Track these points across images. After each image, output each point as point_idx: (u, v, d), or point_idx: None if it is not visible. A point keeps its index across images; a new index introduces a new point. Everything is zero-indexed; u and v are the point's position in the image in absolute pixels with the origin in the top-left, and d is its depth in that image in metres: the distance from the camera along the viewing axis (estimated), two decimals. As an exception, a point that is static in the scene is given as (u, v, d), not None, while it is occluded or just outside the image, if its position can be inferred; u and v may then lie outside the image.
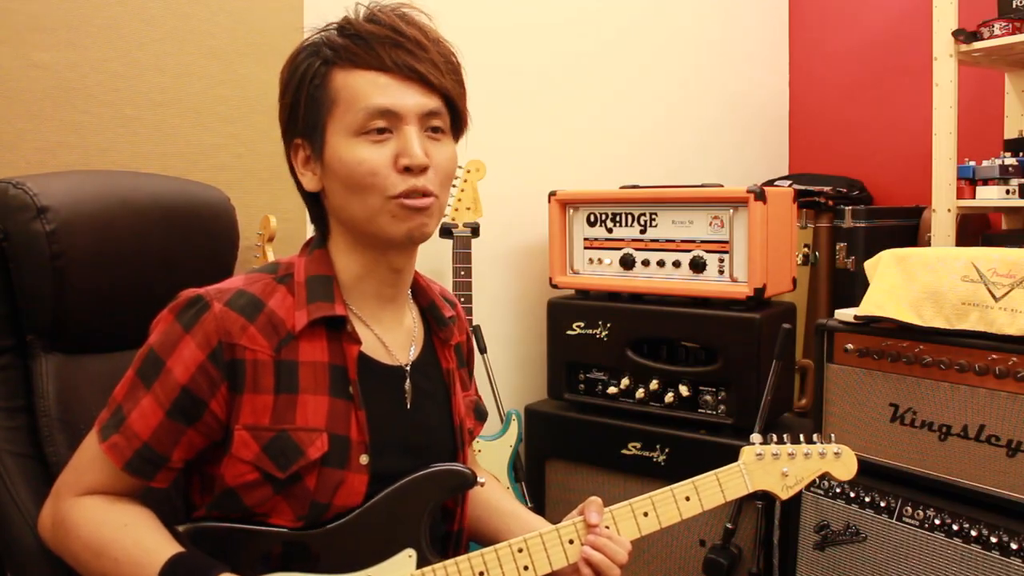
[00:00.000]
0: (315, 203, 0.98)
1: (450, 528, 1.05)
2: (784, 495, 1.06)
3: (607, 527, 0.98)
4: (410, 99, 0.90)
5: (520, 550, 0.95)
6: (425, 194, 0.92)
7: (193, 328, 0.90)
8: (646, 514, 0.99)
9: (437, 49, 0.93)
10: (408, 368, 1.01)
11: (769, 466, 1.06)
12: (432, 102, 0.92)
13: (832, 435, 1.14)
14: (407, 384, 1.00)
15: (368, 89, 0.90)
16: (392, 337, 1.01)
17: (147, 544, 0.88)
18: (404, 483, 0.95)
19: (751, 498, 1.73)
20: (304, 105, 0.92)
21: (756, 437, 1.07)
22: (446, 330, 1.07)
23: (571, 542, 0.97)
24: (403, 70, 0.90)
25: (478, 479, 0.99)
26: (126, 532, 0.89)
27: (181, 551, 0.87)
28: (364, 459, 0.93)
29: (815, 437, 1.10)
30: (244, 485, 0.90)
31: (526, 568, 0.94)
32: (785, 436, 1.09)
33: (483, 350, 2.11)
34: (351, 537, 0.92)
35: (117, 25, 1.61)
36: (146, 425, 0.89)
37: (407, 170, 0.90)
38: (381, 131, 0.90)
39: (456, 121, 0.97)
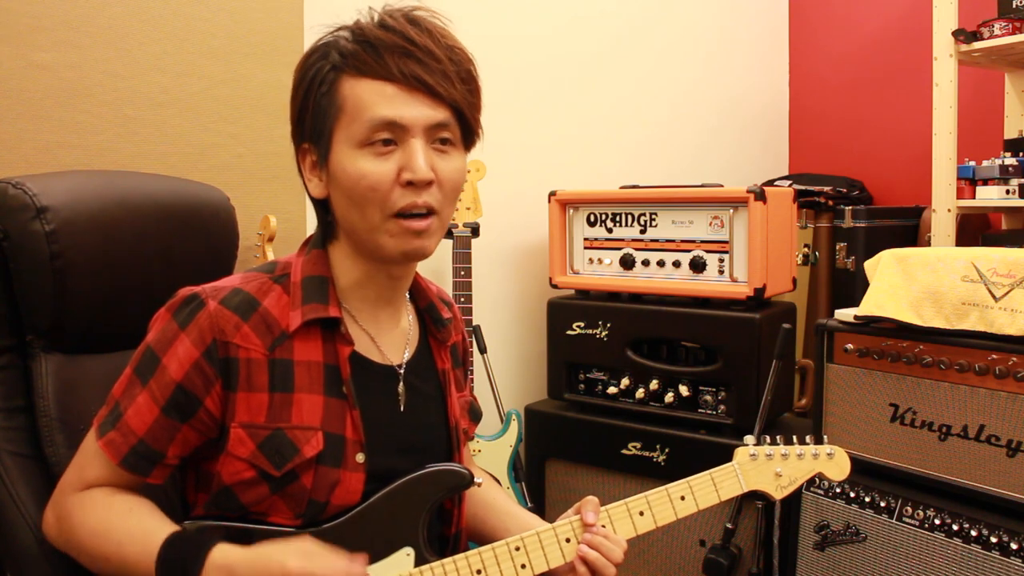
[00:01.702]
0: (322, 208, 0.97)
1: (448, 531, 1.05)
2: (778, 495, 1.07)
3: (603, 526, 0.98)
4: (417, 111, 0.88)
5: (517, 548, 0.95)
6: (429, 211, 0.90)
7: (188, 326, 0.90)
8: (642, 513, 1.00)
9: (449, 57, 0.90)
10: (402, 369, 1.01)
11: (763, 466, 1.07)
12: (440, 114, 0.89)
13: (825, 436, 1.14)
14: (400, 385, 1.00)
15: (374, 99, 0.88)
16: (387, 338, 1.01)
17: (149, 526, 0.89)
18: (402, 482, 0.95)
19: (749, 498, 1.74)
20: (312, 111, 0.91)
21: (750, 438, 1.08)
22: (443, 331, 1.07)
23: (568, 541, 0.97)
24: (411, 80, 0.87)
25: (475, 479, 0.99)
26: (129, 516, 0.90)
27: (179, 529, 0.88)
28: (360, 458, 0.94)
29: (808, 438, 1.11)
30: (240, 483, 0.90)
31: (523, 567, 0.94)
32: (779, 437, 1.10)
33: (483, 350, 2.11)
34: (349, 536, 0.92)
35: (117, 25, 1.61)
36: (142, 422, 0.90)
37: (410, 184, 0.88)
38: (386, 143, 0.88)
39: (467, 132, 0.94)
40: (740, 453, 1.07)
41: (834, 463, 1.10)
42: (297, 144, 0.96)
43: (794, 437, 1.11)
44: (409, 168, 0.88)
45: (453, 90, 0.90)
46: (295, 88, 0.94)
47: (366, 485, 0.94)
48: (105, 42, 1.60)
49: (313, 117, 0.91)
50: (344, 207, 0.92)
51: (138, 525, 0.89)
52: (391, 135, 0.88)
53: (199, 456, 0.94)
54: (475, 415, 1.14)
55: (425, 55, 0.88)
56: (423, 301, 1.07)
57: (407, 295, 1.06)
